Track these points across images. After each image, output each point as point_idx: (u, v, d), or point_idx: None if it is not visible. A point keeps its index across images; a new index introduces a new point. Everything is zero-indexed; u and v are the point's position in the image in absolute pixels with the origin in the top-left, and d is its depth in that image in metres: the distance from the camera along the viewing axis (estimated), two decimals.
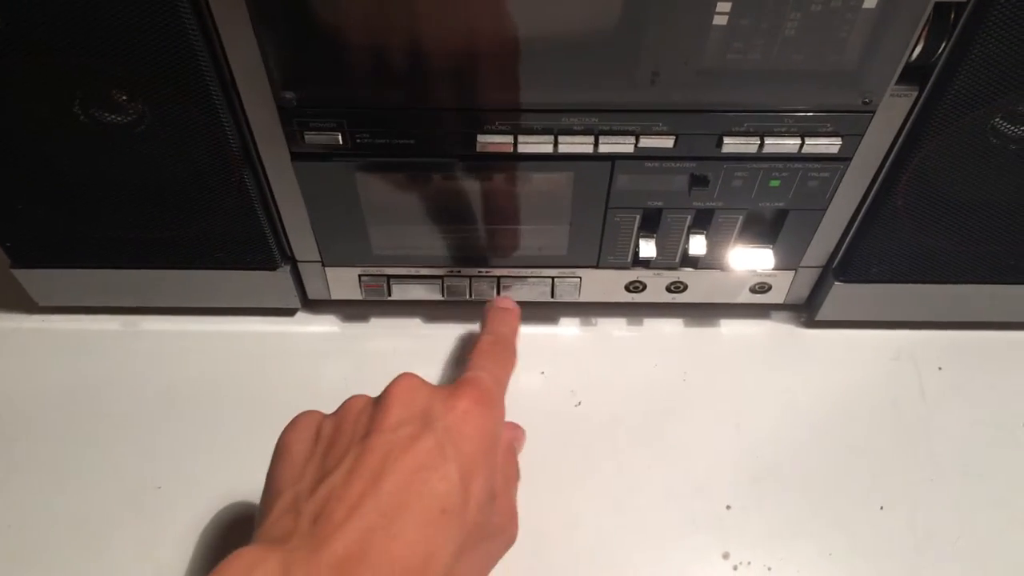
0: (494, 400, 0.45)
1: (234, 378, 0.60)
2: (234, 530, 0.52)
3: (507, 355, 0.52)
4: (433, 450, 0.39)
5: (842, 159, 0.50)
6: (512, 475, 0.47)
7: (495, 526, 0.42)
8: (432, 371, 0.60)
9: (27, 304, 0.63)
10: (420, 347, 0.62)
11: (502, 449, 0.45)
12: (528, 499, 0.52)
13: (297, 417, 0.43)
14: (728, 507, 0.54)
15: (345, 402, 0.43)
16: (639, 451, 0.57)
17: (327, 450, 0.40)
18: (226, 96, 0.46)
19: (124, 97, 0.48)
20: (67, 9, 0.42)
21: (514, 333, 0.55)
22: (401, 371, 0.60)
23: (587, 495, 0.54)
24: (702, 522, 0.53)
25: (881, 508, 0.54)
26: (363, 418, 0.41)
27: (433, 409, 0.41)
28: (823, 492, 0.55)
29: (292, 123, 0.48)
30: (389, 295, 0.60)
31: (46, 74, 0.45)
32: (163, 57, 0.44)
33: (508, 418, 0.55)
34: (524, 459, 0.54)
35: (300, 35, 0.43)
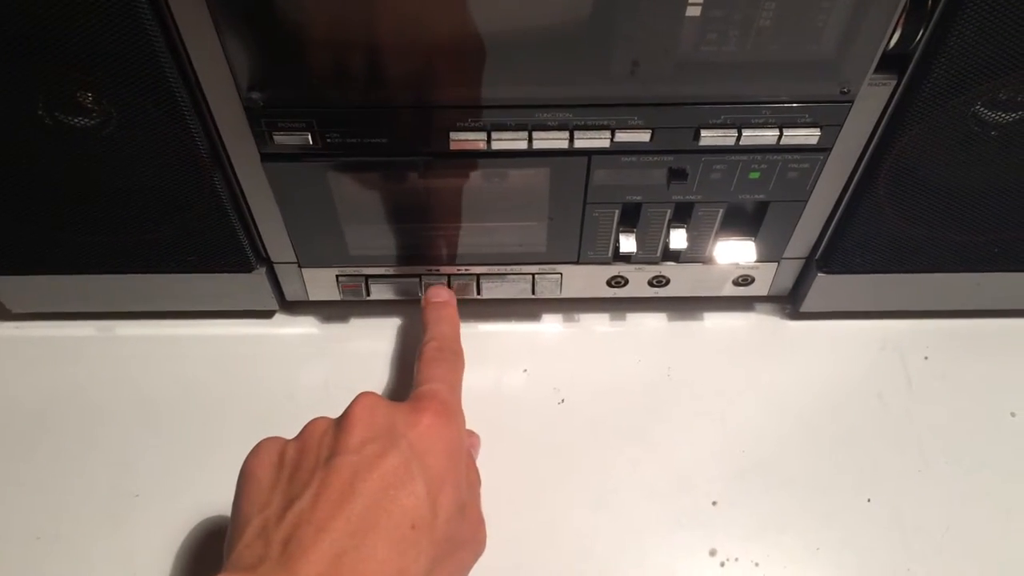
0: (454, 411, 0.45)
1: (212, 382, 0.59)
2: (214, 537, 0.52)
3: (455, 359, 0.51)
4: (399, 467, 0.39)
5: (822, 150, 0.49)
6: (475, 481, 0.47)
7: (464, 536, 0.43)
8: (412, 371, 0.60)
9: (0, 311, 0.62)
10: (400, 347, 0.61)
11: (465, 458, 0.45)
12: (510, 500, 0.51)
13: (259, 444, 0.43)
14: (714, 503, 0.54)
15: (306, 426, 0.43)
16: (623, 448, 0.56)
17: (292, 475, 0.40)
18: (191, 98, 0.45)
19: (89, 99, 0.47)
20: (24, 11, 0.40)
21: (455, 330, 0.54)
22: (382, 371, 0.60)
23: (571, 494, 0.54)
24: (688, 519, 0.53)
25: (868, 501, 0.54)
26: (326, 440, 0.41)
27: (396, 426, 0.41)
28: (810, 486, 0.54)
29: (260, 124, 0.47)
30: (368, 295, 0.59)
31: (7, 76, 0.44)
32: (125, 60, 0.42)
33: (491, 417, 0.55)
34: (507, 459, 0.54)
35: (264, 35, 0.42)
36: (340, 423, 0.42)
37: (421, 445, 0.41)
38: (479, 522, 0.45)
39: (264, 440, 0.43)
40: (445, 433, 0.42)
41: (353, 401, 0.43)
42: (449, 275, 0.58)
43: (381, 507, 0.38)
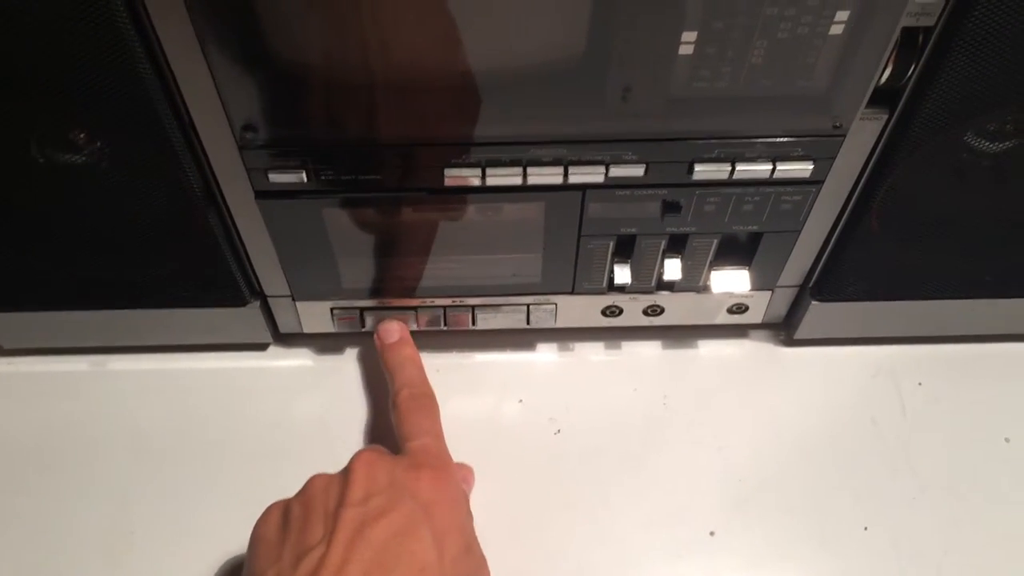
0: (447, 462, 0.48)
1: (207, 416, 0.59)
2: (212, 573, 0.51)
3: (429, 402, 0.53)
4: (404, 517, 0.41)
5: (814, 182, 0.49)
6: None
7: (472, 574, 0.44)
8: None
9: None
10: None
11: (464, 503, 0.47)
12: (507, 531, 0.51)
13: (265, 509, 0.44)
14: (712, 533, 0.54)
15: (307, 483, 0.44)
16: (620, 478, 0.56)
17: (300, 529, 0.41)
18: (185, 137, 0.45)
19: (82, 138, 0.47)
20: (17, 51, 0.40)
21: (420, 370, 0.56)
22: (377, 402, 0.60)
23: (568, 525, 0.54)
24: (687, 549, 0.53)
25: (865, 528, 0.54)
26: (331, 493, 0.42)
27: (397, 480, 0.43)
28: (807, 514, 0.54)
29: (255, 162, 0.47)
30: (363, 327, 0.59)
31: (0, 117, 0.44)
32: (118, 101, 0.42)
33: (487, 448, 0.55)
34: (503, 490, 0.54)
35: (258, 76, 0.42)
36: (343, 478, 0.43)
37: (424, 498, 0.43)
38: (483, 560, 0.46)
39: (269, 505, 0.44)
40: (445, 486, 0.45)
41: (354, 457, 0.44)
42: (445, 307, 0.58)
43: (390, 553, 0.39)
